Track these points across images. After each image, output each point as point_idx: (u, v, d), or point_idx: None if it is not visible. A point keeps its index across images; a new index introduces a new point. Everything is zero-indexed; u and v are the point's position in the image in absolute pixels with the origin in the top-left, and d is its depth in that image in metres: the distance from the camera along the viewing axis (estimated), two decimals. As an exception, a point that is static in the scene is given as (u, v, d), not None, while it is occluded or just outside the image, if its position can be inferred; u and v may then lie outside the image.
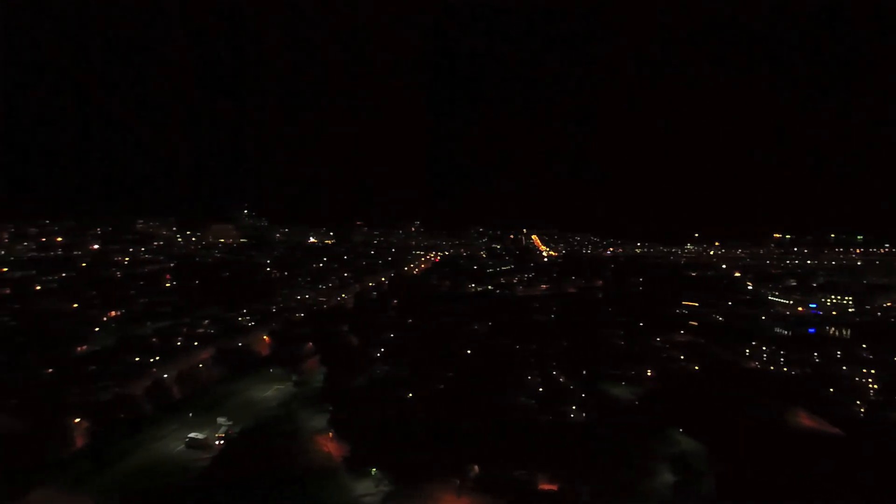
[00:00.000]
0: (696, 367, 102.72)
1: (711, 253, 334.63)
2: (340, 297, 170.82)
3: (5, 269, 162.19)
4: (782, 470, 61.12)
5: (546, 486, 59.54)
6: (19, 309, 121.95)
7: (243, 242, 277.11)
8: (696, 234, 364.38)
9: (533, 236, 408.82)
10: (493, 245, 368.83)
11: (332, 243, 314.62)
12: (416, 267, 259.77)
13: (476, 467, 61.84)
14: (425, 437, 67.40)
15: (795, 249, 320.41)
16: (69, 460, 64.44)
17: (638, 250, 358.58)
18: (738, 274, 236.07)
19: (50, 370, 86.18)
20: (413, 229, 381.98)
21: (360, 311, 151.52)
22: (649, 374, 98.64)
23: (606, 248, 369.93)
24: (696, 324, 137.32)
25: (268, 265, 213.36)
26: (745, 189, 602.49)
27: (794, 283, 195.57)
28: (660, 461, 65.06)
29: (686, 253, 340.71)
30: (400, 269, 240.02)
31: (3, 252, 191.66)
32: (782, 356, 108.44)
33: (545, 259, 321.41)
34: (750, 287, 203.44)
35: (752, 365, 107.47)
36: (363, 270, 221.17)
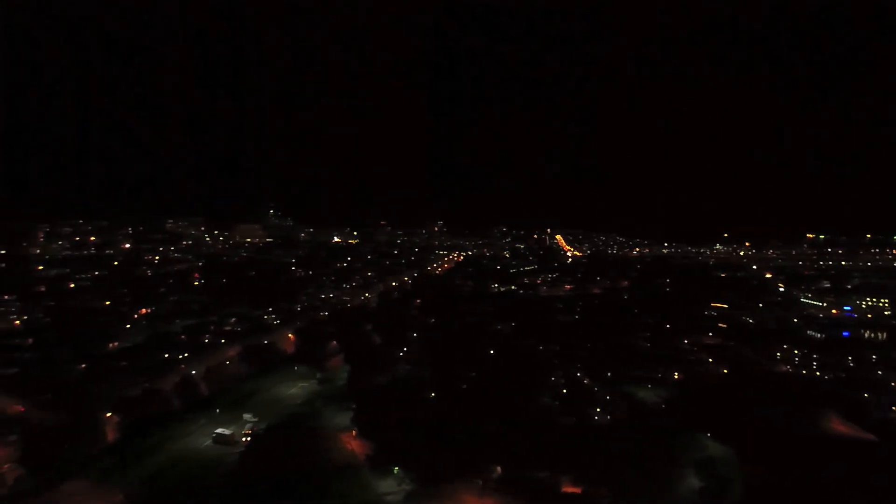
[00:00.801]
0: (725, 370, 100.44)
1: (741, 253, 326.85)
2: (364, 296, 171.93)
3: (41, 268, 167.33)
4: (813, 477, 59.20)
5: (569, 489, 58.93)
6: (54, 306, 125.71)
7: (269, 242, 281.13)
8: (726, 235, 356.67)
9: (557, 236, 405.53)
10: (517, 245, 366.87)
11: (356, 243, 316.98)
12: (439, 267, 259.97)
13: (498, 468, 61.56)
14: (448, 437, 67.35)
15: (829, 250, 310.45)
16: (100, 454, 66.24)
17: (665, 251, 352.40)
18: (769, 275, 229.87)
19: (83, 366, 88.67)
20: (436, 229, 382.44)
21: (383, 310, 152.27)
22: (676, 376, 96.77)
23: (632, 249, 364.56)
24: (725, 326, 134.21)
25: (293, 264, 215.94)
26: (776, 188, 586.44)
27: (828, 285, 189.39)
28: (686, 466, 63.69)
29: (715, 253, 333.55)
30: (423, 269, 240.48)
31: (38, 251, 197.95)
32: (815, 360, 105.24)
33: (569, 259, 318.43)
34: (782, 288, 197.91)
35: (784, 368, 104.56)
36: (386, 270, 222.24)
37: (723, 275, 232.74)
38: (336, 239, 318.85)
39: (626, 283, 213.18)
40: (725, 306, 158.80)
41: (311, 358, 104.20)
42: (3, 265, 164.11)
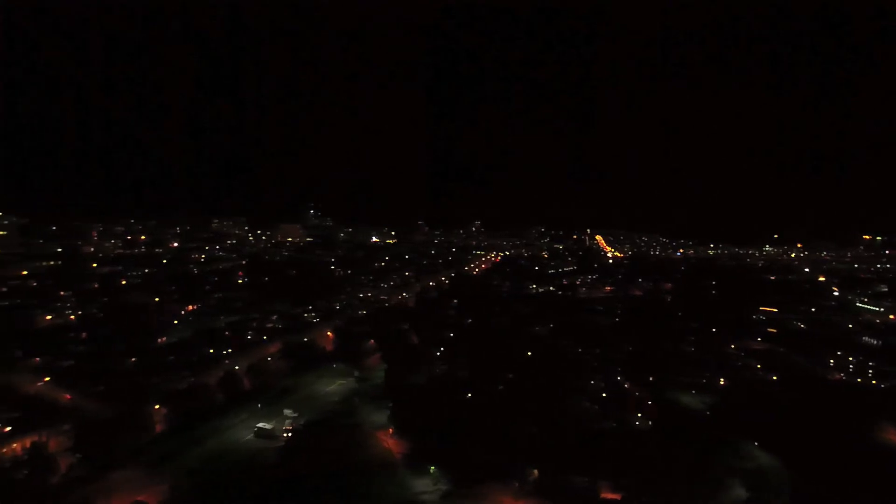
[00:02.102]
0: (775, 377, 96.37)
1: (793, 255, 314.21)
2: (402, 295, 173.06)
3: (95, 265, 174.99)
4: (867, 490, 55.96)
5: (608, 496, 57.64)
6: (107, 302, 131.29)
7: (309, 241, 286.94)
8: (776, 236, 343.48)
9: (597, 237, 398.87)
10: (556, 245, 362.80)
11: (394, 243, 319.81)
12: (476, 267, 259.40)
13: (535, 471, 60.77)
14: (484, 438, 66.83)
15: (887, 252, 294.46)
16: (148, 445, 68.75)
17: (711, 252, 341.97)
18: (822, 278, 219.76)
19: (133, 359, 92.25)
20: (474, 229, 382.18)
21: (420, 309, 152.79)
22: (722, 382, 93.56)
23: (676, 250, 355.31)
24: (774, 331, 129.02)
25: (332, 264, 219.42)
26: (831, 187, 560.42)
27: (885, 289, 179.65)
28: (732, 475, 61.39)
29: (764, 255, 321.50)
30: (460, 269, 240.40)
31: (93, 249, 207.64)
32: (871, 367, 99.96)
33: (610, 260, 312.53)
34: (836, 292, 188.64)
35: (837, 376, 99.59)
36: (424, 270, 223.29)
37: (772, 277, 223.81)
38: (374, 239, 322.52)
39: (669, 285, 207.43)
40: (775, 310, 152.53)
41: (349, 356, 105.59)
42: (60, 263, 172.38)
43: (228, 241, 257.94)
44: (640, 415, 77.64)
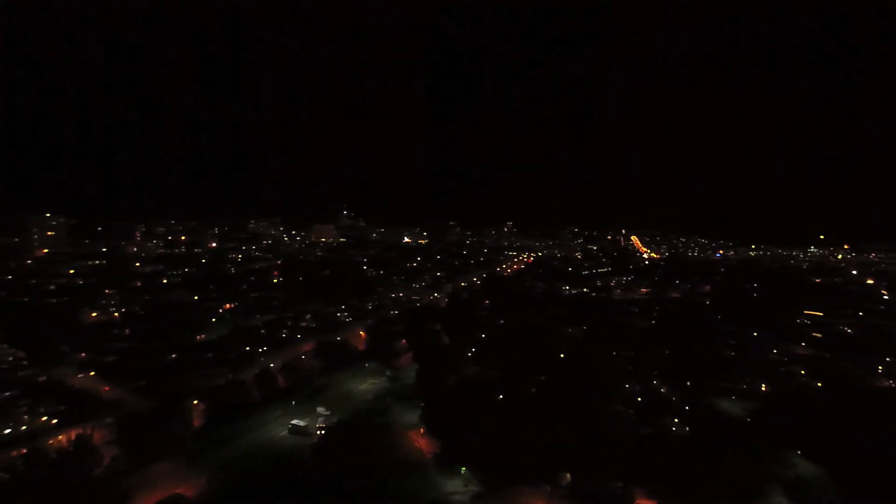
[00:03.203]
0: (819, 384, 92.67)
1: (839, 257, 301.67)
2: (433, 295, 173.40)
3: (138, 265, 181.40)
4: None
5: (644, 502, 56.41)
6: (149, 300, 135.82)
7: (342, 242, 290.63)
8: (822, 236, 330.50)
9: (633, 237, 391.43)
10: (589, 246, 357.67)
11: (426, 243, 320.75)
12: (508, 267, 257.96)
13: (568, 475, 59.90)
14: (516, 441, 66.27)
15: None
16: (187, 438, 70.65)
17: (752, 253, 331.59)
18: (870, 281, 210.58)
19: (173, 356, 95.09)
20: (506, 230, 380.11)
21: (452, 310, 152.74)
22: (764, 388, 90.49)
23: (716, 251, 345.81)
24: (819, 335, 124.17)
25: (364, 264, 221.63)
26: (880, 186, 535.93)
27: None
28: (773, 484, 59.23)
29: (809, 256, 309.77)
30: (492, 270, 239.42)
31: (136, 249, 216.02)
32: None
33: (646, 261, 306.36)
34: (885, 296, 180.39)
35: (886, 384, 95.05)
36: (455, 270, 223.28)
37: (818, 280, 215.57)
38: (406, 239, 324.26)
39: (707, 287, 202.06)
40: (821, 314, 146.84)
41: (381, 355, 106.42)
42: (105, 262, 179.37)
43: (264, 242, 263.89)
44: (676, 420, 75.65)
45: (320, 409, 79.29)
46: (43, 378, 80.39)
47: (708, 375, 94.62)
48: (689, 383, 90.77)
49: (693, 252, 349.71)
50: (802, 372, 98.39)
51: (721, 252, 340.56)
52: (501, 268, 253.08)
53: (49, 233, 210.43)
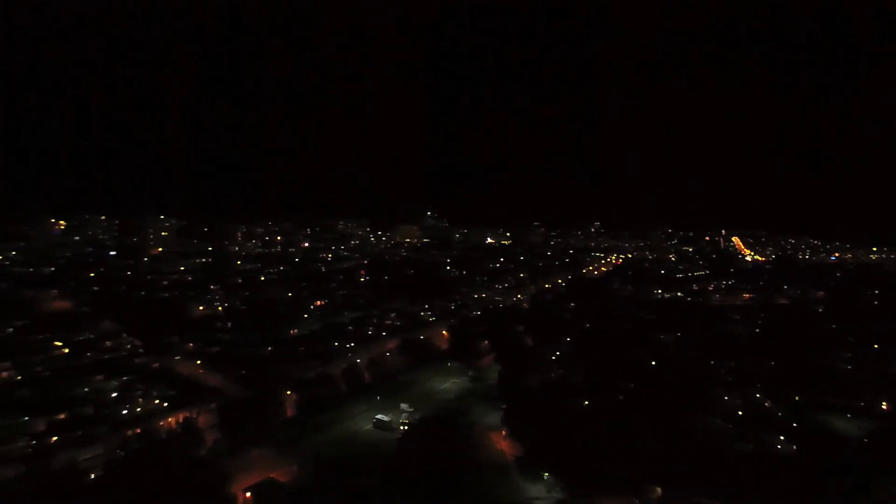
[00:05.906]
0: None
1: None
2: (516, 297, 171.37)
3: (238, 263, 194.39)
4: None
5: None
6: (248, 296, 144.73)
7: (426, 242, 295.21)
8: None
9: (734, 238, 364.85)
10: (684, 247, 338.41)
11: (509, 244, 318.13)
12: (595, 269, 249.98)
13: (658, 489, 56.30)
14: (602, 449, 63.47)
15: None
16: (280, 426, 74.46)
17: (873, 257, 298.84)
18: None
19: (269, 348, 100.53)
20: (592, 230, 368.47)
21: (535, 312, 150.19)
22: (884, 407, 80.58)
23: (830, 253, 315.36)
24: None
25: (447, 264, 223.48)
26: None
27: None
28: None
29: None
30: (578, 272, 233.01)
31: (237, 248, 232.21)
32: None
33: (749, 264, 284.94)
34: None
35: None
36: (539, 271, 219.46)
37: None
38: (489, 240, 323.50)
39: (821, 293, 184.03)
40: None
41: (463, 355, 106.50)
42: (211, 260, 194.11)
43: (352, 242, 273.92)
44: (782, 437, 69.05)
45: (404, 406, 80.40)
46: (156, 365, 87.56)
47: (820, 390, 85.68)
48: (797, 398, 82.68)
49: (804, 255, 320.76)
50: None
51: (836, 255, 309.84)
52: (588, 270, 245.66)
53: (163, 233, 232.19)
